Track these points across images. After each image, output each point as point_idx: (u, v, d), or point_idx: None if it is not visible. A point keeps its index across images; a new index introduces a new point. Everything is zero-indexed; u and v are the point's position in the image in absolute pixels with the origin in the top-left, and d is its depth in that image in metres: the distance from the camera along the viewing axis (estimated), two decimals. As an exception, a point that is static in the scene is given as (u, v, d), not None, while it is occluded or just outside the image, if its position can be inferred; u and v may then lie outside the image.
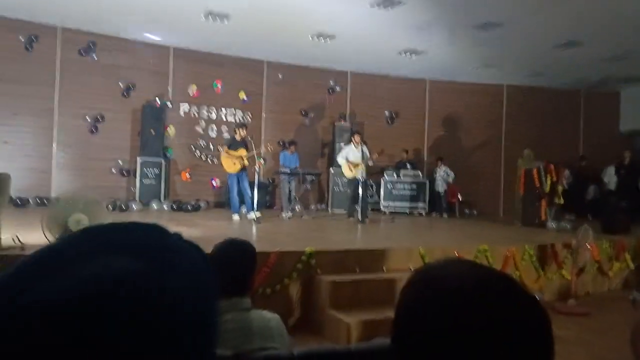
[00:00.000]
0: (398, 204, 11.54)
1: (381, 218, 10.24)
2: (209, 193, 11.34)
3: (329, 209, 11.53)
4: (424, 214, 11.59)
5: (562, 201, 9.44)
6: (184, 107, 11.26)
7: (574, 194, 11.18)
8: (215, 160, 10.87)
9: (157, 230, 0.50)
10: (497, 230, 9.09)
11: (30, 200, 9.28)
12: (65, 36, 10.04)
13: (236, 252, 1.96)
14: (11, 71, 9.47)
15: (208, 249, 1.91)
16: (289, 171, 9.85)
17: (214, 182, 11.35)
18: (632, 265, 7.34)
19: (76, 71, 10.08)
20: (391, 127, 13.06)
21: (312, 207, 11.84)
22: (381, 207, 11.50)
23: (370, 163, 9.09)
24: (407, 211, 11.51)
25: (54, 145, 9.99)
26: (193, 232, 6.10)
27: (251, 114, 11.85)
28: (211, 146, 11.40)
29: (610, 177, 12.14)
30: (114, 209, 9.02)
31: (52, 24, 9.78)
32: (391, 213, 11.10)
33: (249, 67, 11.76)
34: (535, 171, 9.42)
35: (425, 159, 13.23)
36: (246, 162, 8.30)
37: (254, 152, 8.24)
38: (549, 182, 9.30)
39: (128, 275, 0.42)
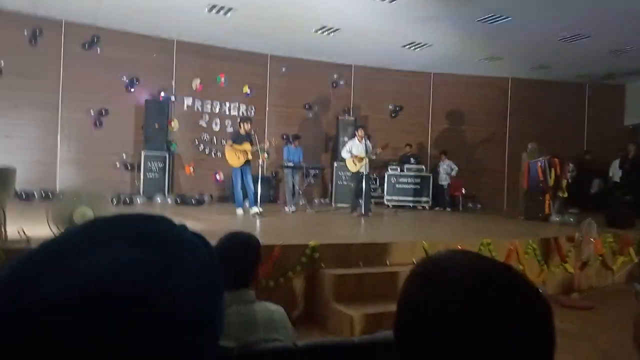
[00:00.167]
0: (401, 197, 11.53)
1: (384, 212, 10.24)
2: (213, 187, 11.36)
3: (333, 203, 11.53)
4: (427, 208, 11.58)
5: (566, 195, 9.42)
6: (188, 101, 11.26)
7: (578, 188, 11.14)
8: (219, 154, 10.88)
9: (163, 221, 0.49)
10: (500, 224, 9.08)
11: (35, 194, 9.31)
12: (69, 30, 10.03)
13: (240, 244, 1.96)
14: (15, 65, 9.48)
15: (212, 242, 1.92)
16: (292, 165, 9.86)
17: (217, 176, 11.37)
18: (635, 259, 7.32)
19: (80, 65, 10.09)
20: (395, 120, 13.03)
21: (316, 201, 11.85)
22: (385, 201, 11.51)
23: (373, 157, 9.09)
24: (411, 205, 11.51)
25: (59, 138, 10.02)
26: (197, 226, 6.12)
27: (255, 108, 11.84)
28: (215, 140, 11.40)
29: (614, 171, 12.08)
30: (118, 202, 9.05)
31: (56, 17, 9.77)
32: (394, 207, 11.10)
33: (252, 61, 11.73)
34: (539, 165, 9.39)
35: (429, 152, 13.20)
36: (250, 156, 8.30)
37: (259, 146, 8.24)
38: (553, 175, 9.27)
39: (129, 272, 0.41)
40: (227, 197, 10.77)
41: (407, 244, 5.62)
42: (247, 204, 8.58)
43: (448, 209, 11.55)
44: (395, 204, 11.34)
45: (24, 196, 8.95)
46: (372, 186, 11.26)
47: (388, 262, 5.32)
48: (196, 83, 11.26)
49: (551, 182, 9.28)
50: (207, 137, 11.42)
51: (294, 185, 9.94)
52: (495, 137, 13.36)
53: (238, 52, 11.51)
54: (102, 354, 0.38)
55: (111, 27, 10.19)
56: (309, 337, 3.66)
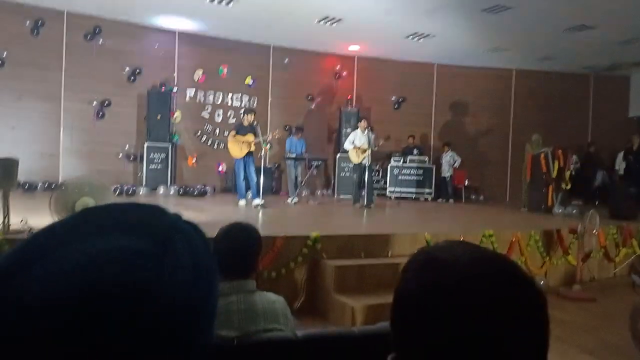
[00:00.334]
0: (404, 189, 11.52)
1: (387, 203, 10.24)
2: (215, 178, 11.37)
3: (335, 194, 11.53)
4: (430, 199, 11.57)
5: (569, 186, 9.39)
6: (190, 92, 11.24)
7: (582, 180, 11.10)
8: (222, 146, 10.87)
9: (156, 211, 0.49)
10: (503, 215, 9.07)
11: (38, 185, 9.35)
12: (71, 21, 10.00)
13: (241, 235, 1.97)
14: (18, 56, 9.48)
15: (213, 233, 1.93)
16: (294, 156, 9.84)
17: (220, 168, 11.38)
18: (638, 251, 7.31)
19: (82, 56, 10.07)
20: (398, 111, 12.99)
21: (318, 192, 11.85)
22: (387, 193, 11.50)
23: (375, 148, 9.07)
24: (413, 196, 11.50)
25: (61, 129, 10.04)
26: (199, 217, 6.14)
27: (257, 99, 11.82)
28: (217, 131, 11.40)
29: (619, 163, 12.04)
30: (120, 193, 9.07)
31: (58, 8, 9.74)
32: (397, 198, 11.09)
33: (255, 52, 11.68)
34: (542, 156, 9.36)
35: (432, 144, 13.16)
36: (253, 147, 8.30)
37: (261, 137, 8.23)
38: (556, 167, 9.24)
39: (124, 265, 0.41)
40: (229, 188, 10.78)
41: (409, 236, 5.62)
42: (249, 196, 8.59)
43: (451, 201, 11.54)
44: (398, 195, 11.33)
45: (27, 187, 8.99)
46: (375, 178, 11.26)
47: (390, 254, 5.33)
48: (199, 74, 11.24)
49: (554, 173, 9.25)
50: (210, 128, 11.41)
51: (296, 177, 9.95)
52: (499, 128, 13.31)
53: (240, 43, 11.46)
54: (102, 354, 0.38)
55: (113, 18, 10.16)
56: (310, 327, 3.67)
